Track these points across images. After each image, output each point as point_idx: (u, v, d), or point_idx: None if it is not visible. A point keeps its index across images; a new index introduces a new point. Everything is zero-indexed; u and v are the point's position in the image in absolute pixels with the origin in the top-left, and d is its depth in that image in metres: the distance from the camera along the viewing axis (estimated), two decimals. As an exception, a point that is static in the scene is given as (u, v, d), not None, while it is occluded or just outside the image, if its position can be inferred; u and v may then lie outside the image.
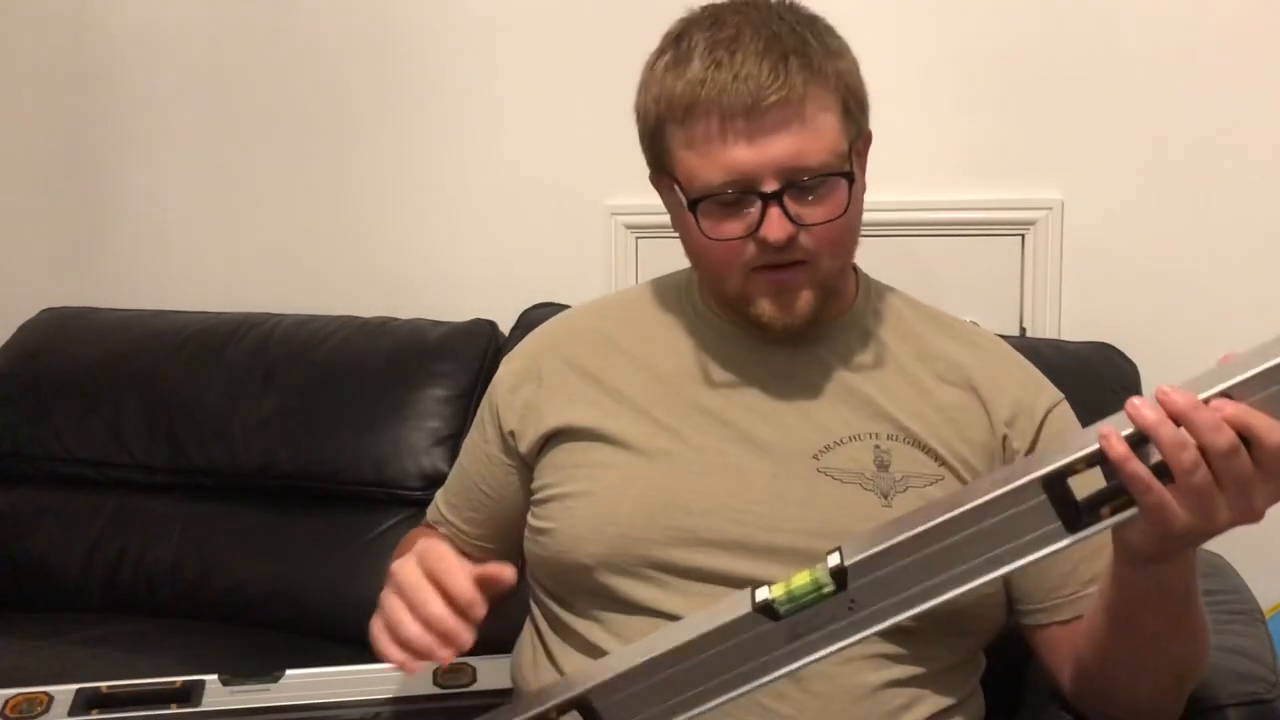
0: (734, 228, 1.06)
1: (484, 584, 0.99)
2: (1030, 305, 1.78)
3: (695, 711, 0.90)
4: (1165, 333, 1.71)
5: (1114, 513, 0.84)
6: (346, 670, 1.26)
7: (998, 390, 1.15)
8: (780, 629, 0.87)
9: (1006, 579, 0.93)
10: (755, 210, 1.05)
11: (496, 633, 1.25)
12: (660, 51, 1.09)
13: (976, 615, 1.11)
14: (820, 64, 1.05)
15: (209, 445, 1.91)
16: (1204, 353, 1.69)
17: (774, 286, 1.08)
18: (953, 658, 1.11)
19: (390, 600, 0.99)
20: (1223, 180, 1.70)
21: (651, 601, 1.09)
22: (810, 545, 1.05)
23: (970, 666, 1.15)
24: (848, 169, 1.06)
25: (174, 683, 1.25)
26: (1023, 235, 1.78)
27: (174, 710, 1.22)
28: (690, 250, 1.13)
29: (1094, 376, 1.58)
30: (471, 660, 1.26)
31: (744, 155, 1.03)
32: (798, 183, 1.04)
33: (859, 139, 1.10)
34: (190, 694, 1.24)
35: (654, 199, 1.17)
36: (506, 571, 1.01)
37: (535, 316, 1.63)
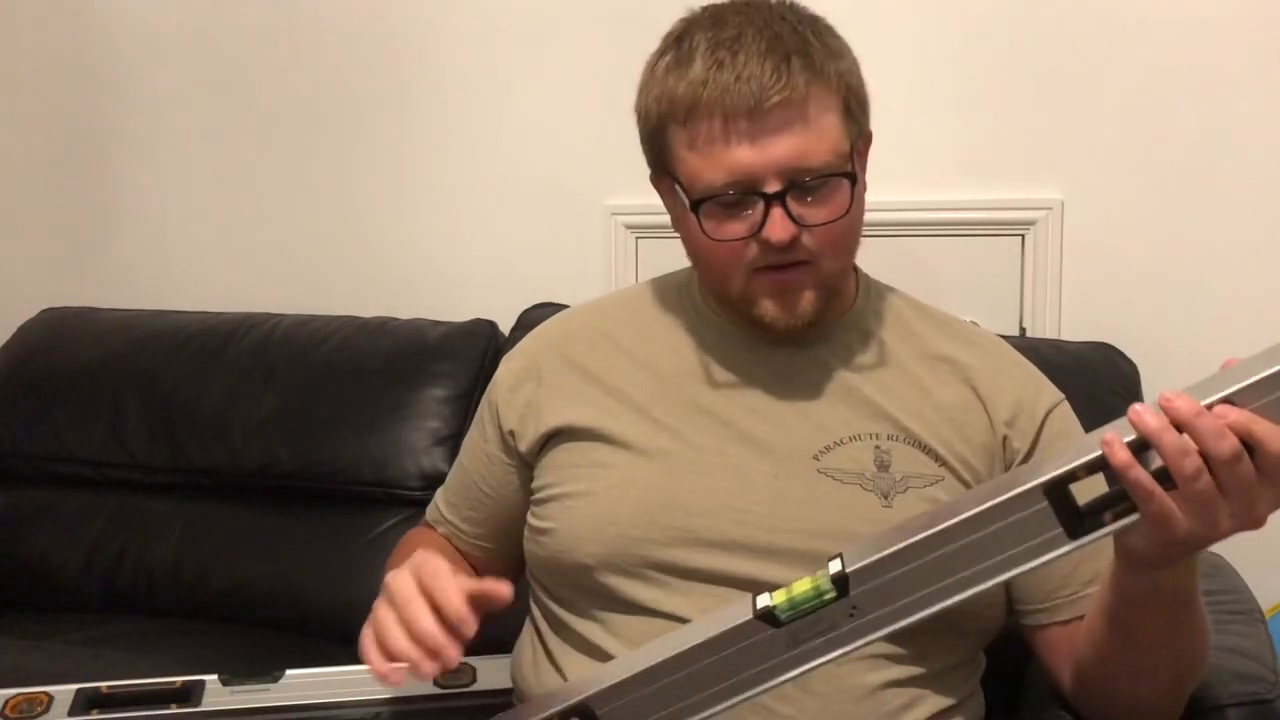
0: (736, 228, 1.06)
1: (478, 601, 0.99)
2: (1030, 305, 1.78)
3: (697, 718, 0.90)
4: (1165, 333, 1.71)
5: (1116, 519, 0.84)
6: (346, 670, 1.26)
7: (998, 390, 1.15)
8: (781, 635, 0.87)
9: (1006, 580, 0.93)
10: (757, 211, 1.04)
11: (497, 632, 1.25)
12: (661, 52, 1.09)
13: (977, 616, 1.11)
14: (822, 64, 1.05)
15: (209, 445, 1.91)
16: (1204, 353, 1.69)
17: (776, 287, 1.08)
18: (953, 658, 1.11)
19: (382, 611, 0.99)
20: (1222, 180, 1.70)
21: (651, 601, 1.09)
22: (810, 546, 1.06)
23: (970, 666, 1.15)
24: (850, 169, 1.06)
25: (174, 683, 1.25)
26: (1023, 235, 1.78)
27: (174, 710, 1.22)
28: (692, 251, 1.13)
29: (1094, 376, 1.58)
30: (471, 660, 1.26)
31: (747, 156, 1.03)
32: (800, 183, 1.04)
33: (860, 139, 1.10)
34: (190, 694, 1.24)
35: (654, 199, 1.17)
36: (503, 589, 1.00)
37: (535, 316, 1.63)
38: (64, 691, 1.24)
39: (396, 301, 2.01)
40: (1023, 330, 1.78)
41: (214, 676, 1.26)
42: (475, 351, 1.88)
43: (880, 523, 1.05)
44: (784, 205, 1.04)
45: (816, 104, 1.04)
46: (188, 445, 1.92)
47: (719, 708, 0.89)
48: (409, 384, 1.86)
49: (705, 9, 1.11)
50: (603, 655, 1.10)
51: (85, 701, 1.23)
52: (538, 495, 1.18)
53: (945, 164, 1.81)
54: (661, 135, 1.08)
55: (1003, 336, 1.25)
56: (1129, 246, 1.74)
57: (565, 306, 1.39)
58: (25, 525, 1.96)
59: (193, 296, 2.13)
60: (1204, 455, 0.81)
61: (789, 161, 1.03)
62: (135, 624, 1.80)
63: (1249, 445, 0.82)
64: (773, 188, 1.04)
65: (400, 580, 0.99)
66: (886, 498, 1.09)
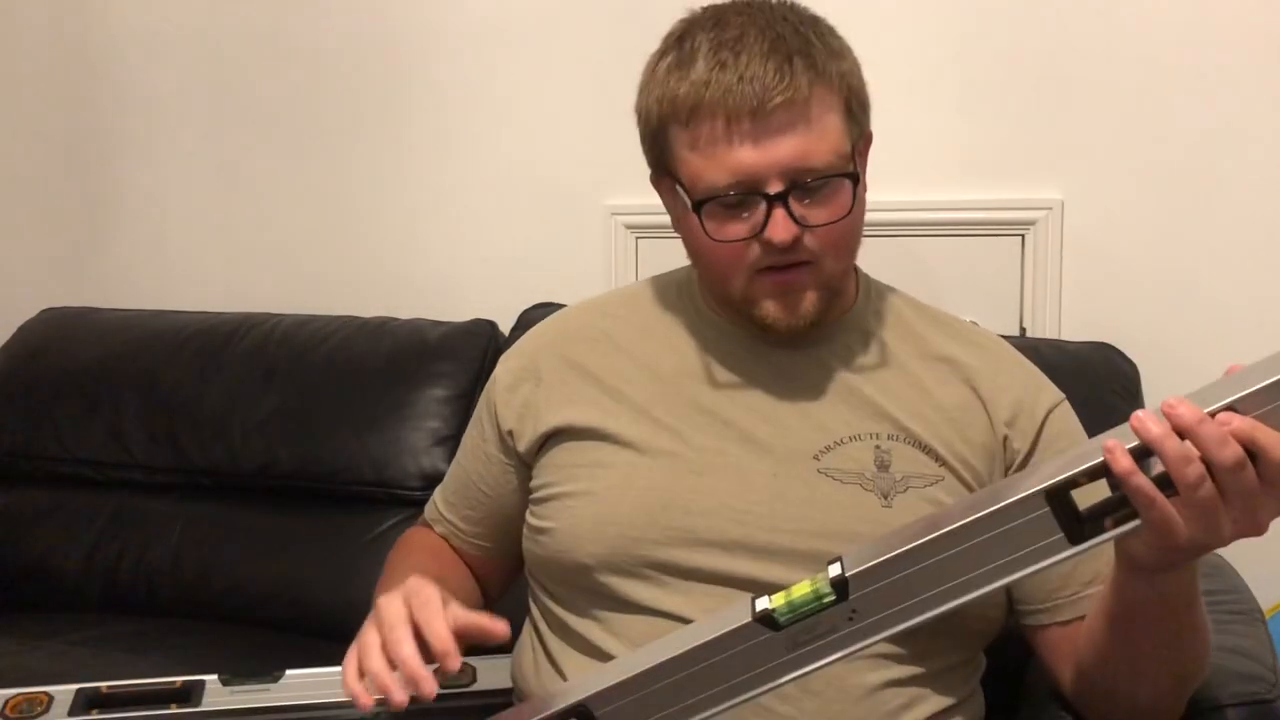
0: (738, 229, 1.06)
1: (470, 634, 0.98)
2: (1030, 305, 1.78)
3: (695, 719, 0.90)
4: (1165, 333, 1.71)
5: (1117, 524, 0.84)
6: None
7: (998, 390, 1.15)
8: (780, 638, 0.87)
9: (1007, 585, 0.93)
10: (760, 212, 1.04)
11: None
12: (662, 52, 1.09)
13: (977, 616, 1.11)
14: (824, 65, 1.05)
15: (209, 445, 1.91)
16: (1204, 353, 1.71)
17: (779, 288, 1.08)
18: (953, 658, 1.11)
19: (368, 634, 0.99)
20: (1223, 180, 1.70)
21: (651, 601, 1.09)
22: (810, 546, 1.06)
23: (970, 666, 1.15)
24: (852, 169, 1.06)
25: (174, 683, 1.25)
26: (1023, 235, 1.78)
27: (174, 710, 1.22)
28: (693, 252, 1.13)
29: (1094, 376, 1.58)
30: (471, 660, 1.26)
31: (749, 157, 1.03)
32: (802, 184, 1.04)
33: (861, 140, 1.10)
34: (190, 694, 1.24)
35: (654, 199, 1.17)
36: (498, 628, 0.99)
37: (535, 316, 1.62)
38: (64, 691, 1.24)
39: (396, 301, 2.01)
40: (1023, 330, 1.78)
41: (214, 676, 1.26)
42: (475, 351, 1.88)
43: (880, 523, 1.05)
44: (786, 206, 1.04)
45: (819, 104, 1.04)
46: (188, 445, 1.92)
47: (717, 709, 0.89)
48: (409, 384, 1.86)
49: (706, 9, 1.11)
50: (602, 655, 1.10)
51: (85, 701, 1.23)
52: (537, 495, 1.18)
53: (945, 164, 1.81)
54: (663, 136, 1.08)
55: (1003, 336, 1.25)
56: (1129, 246, 1.74)
57: (565, 306, 1.39)
58: (25, 525, 1.96)
59: (193, 296, 2.13)
60: (1206, 462, 0.81)
61: (791, 162, 1.03)
62: (135, 624, 1.80)
63: (1251, 452, 0.81)
64: (775, 188, 1.04)
65: (392, 606, 0.98)
66: (886, 498, 1.09)
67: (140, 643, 1.71)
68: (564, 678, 1.13)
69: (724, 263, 1.08)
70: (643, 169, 1.15)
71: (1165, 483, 0.82)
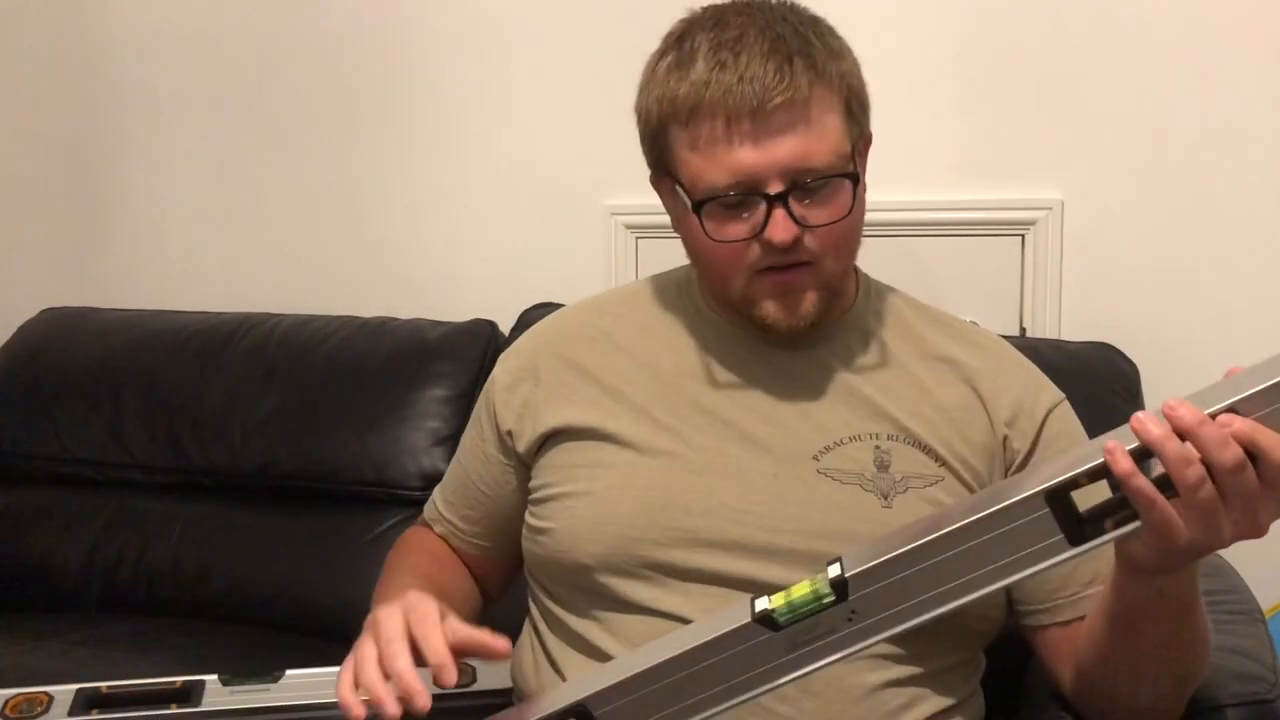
0: (738, 229, 1.06)
1: (470, 649, 0.98)
2: (1030, 305, 1.78)
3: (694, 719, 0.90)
4: (1165, 333, 1.71)
5: (1117, 526, 0.84)
6: (347, 670, 1.26)
7: (998, 390, 1.15)
8: (780, 639, 0.87)
9: (1006, 586, 0.93)
10: (760, 212, 1.04)
11: (497, 632, 1.25)
12: (662, 52, 1.09)
13: (977, 617, 1.10)
14: (824, 65, 1.05)
15: (209, 445, 1.91)
16: (1204, 352, 1.71)
17: (779, 288, 1.08)
18: (953, 658, 1.11)
19: (364, 645, 0.98)
20: (1223, 180, 1.70)
21: (651, 601, 1.09)
22: (810, 546, 1.06)
23: (970, 666, 1.15)
24: (852, 170, 1.06)
25: (174, 683, 1.25)
26: (1023, 235, 1.78)
27: (174, 710, 1.22)
28: (693, 252, 1.13)
29: (1094, 376, 1.58)
30: (472, 660, 1.26)
31: (749, 157, 1.03)
32: (802, 184, 1.04)
33: (861, 140, 1.10)
34: (190, 694, 1.24)
35: (654, 199, 1.17)
36: (500, 645, 0.99)
37: (535, 316, 1.62)
38: (64, 691, 1.24)
39: (396, 301, 2.01)
40: (1023, 330, 1.78)
41: (214, 676, 1.25)
42: (475, 351, 1.88)
43: (880, 523, 1.05)
44: (786, 206, 1.04)
45: (819, 105, 1.04)
46: (188, 445, 1.92)
47: (716, 710, 0.89)
48: (409, 384, 1.86)
49: (706, 9, 1.11)
50: (602, 655, 1.10)
51: (85, 701, 1.23)
52: (536, 495, 1.17)
53: (945, 164, 1.81)
54: (663, 136, 1.08)
55: (1003, 336, 1.25)
56: (1129, 246, 1.74)
57: (565, 306, 1.39)
58: (25, 525, 1.96)
59: (193, 296, 2.13)
60: (1207, 464, 0.81)
61: (791, 162, 1.03)
62: (135, 624, 1.80)
63: (1252, 454, 0.81)
64: (775, 188, 1.04)
65: (391, 620, 0.98)
66: (886, 498, 1.09)
67: (140, 643, 1.71)
68: (563, 678, 1.13)
69: (724, 263, 1.08)
70: (643, 169, 1.15)
71: (1165, 484, 0.82)
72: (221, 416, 1.90)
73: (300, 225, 2.13)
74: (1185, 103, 1.70)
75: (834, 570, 0.86)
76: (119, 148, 2.21)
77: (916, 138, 1.76)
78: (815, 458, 1.10)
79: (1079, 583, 1.09)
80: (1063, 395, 1.18)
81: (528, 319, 1.77)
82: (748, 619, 0.87)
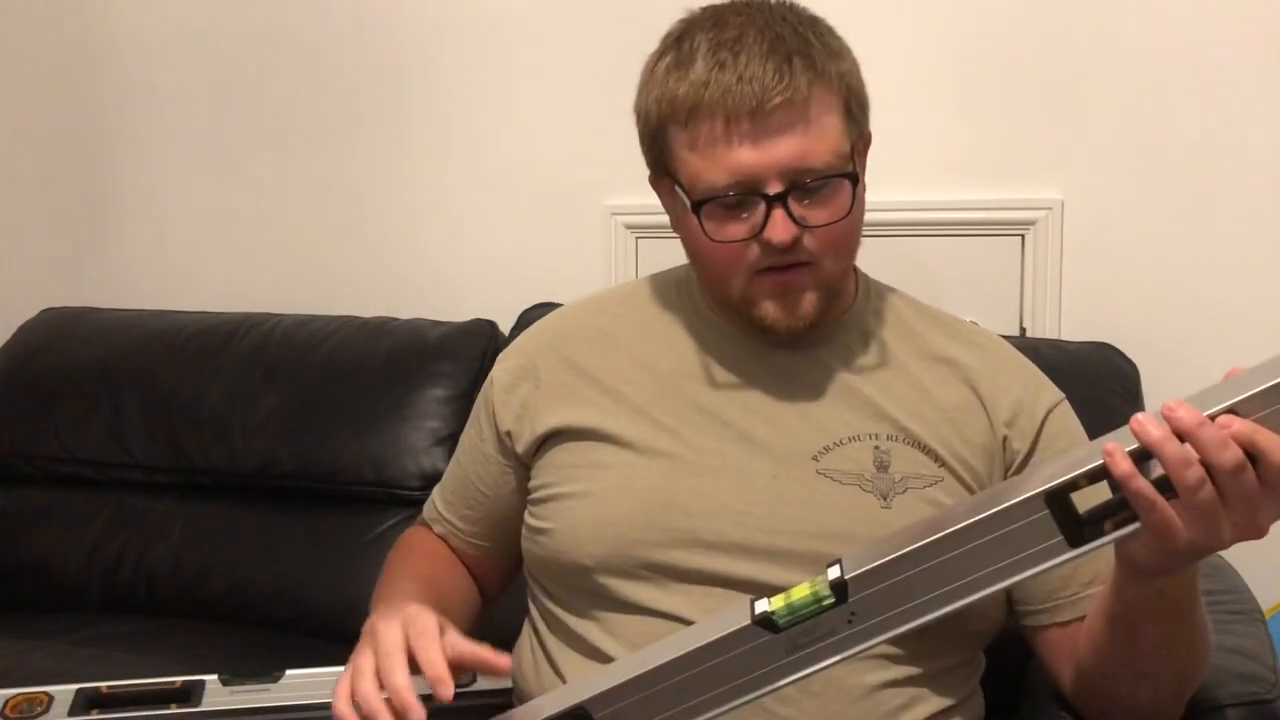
0: (738, 230, 1.06)
1: (470, 665, 0.98)
2: (1030, 305, 1.78)
3: None
4: (1165, 333, 1.71)
5: (1116, 528, 0.84)
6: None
7: (998, 390, 1.15)
8: (780, 641, 0.87)
9: (1006, 588, 0.93)
10: (759, 212, 1.04)
11: (497, 632, 1.25)
12: (661, 53, 1.09)
13: (977, 617, 1.10)
14: (824, 65, 1.05)
15: (209, 445, 1.91)
16: (1204, 352, 1.71)
17: (778, 289, 1.08)
18: (952, 658, 1.11)
19: (363, 657, 0.98)
20: (1223, 180, 1.70)
21: (650, 602, 1.09)
22: (809, 547, 1.06)
23: (970, 667, 1.15)
24: (851, 170, 1.06)
25: (174, 683, 1.24)
26: (1023, 235, 1.78)
27: (174, 710, 1.22)
28: (692, 252, 1.13)
29: (1094, 376, 1.58)
30: (471, 663, 1.26)
31: (748, 157, 1.03)
32: (802, 184, 1.04)
33: (860, 140, 1.10)
34: (190, 694, 1.23)
35: (654, 199, 1.17)
36: (501, 661, 0.99)
37: (535, 316, 1.61)
38: (64, 691, 1.23)
39: (396, 301, 2.01)
40: (1023, 330, 1.78)
41: (214, 676, 1.25)
42: (475, 351, 1.88)
43: (879, 524, 1.05)
44: (785, 206, 1.04)
45: (818, 105, 1.04)
46: (188, 445, 1.92)
47: (716, 712, 0.89)
48: (409, 384, 1.86)
49: (705, 9, 1.11)
50: (601, 656, 1.10)
51: (85, 701, 1.22)
52: (535, 495, 1.17)
53: (945, 164, 1.81)
54: (662, 136, 1.08)
55: (1003, 336, 1.25)
56: (1129, 246, 1.74)
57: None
58: (25, 525, 1.96)
59: (193, 296, 2.13)
60: (1206, 465, 0.81)
61: (791, 162, 1.03)
62: (135, 624, 1.80)
63: (1252, 456, 0.81)
64: (774, 189, 1.04)
65: (390, 634, 0.98)
66: (885, 499, 1.09)
67: (140, 643, 1.71)
68: (563, 678, 1.13)
69: (723, 263, 1.08)
70: (643, 169, 1.15)
71: (1165, 486, 0.82)
72: (221, 416, 1.90)
73: (300, 225, 2.13)
74: (1185, 103, 1.70)
75: (834, 572, 0.86)
76: (119, 148, 2.21)
77: (916, 138, 1.76)
78: (815, 458, 1.10)
79: (1079, 583, 1.09)
80: (1062, 395, 1.18)
81: (528, 319, 1.77)
82: (747, 621, 0.87)
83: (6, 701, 1.22)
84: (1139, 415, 0.82)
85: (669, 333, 1.19)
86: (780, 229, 1.04)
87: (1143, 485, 0.81)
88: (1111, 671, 1.04)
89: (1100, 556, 1.01)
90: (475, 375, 1.84)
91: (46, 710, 1.22)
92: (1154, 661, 1.01)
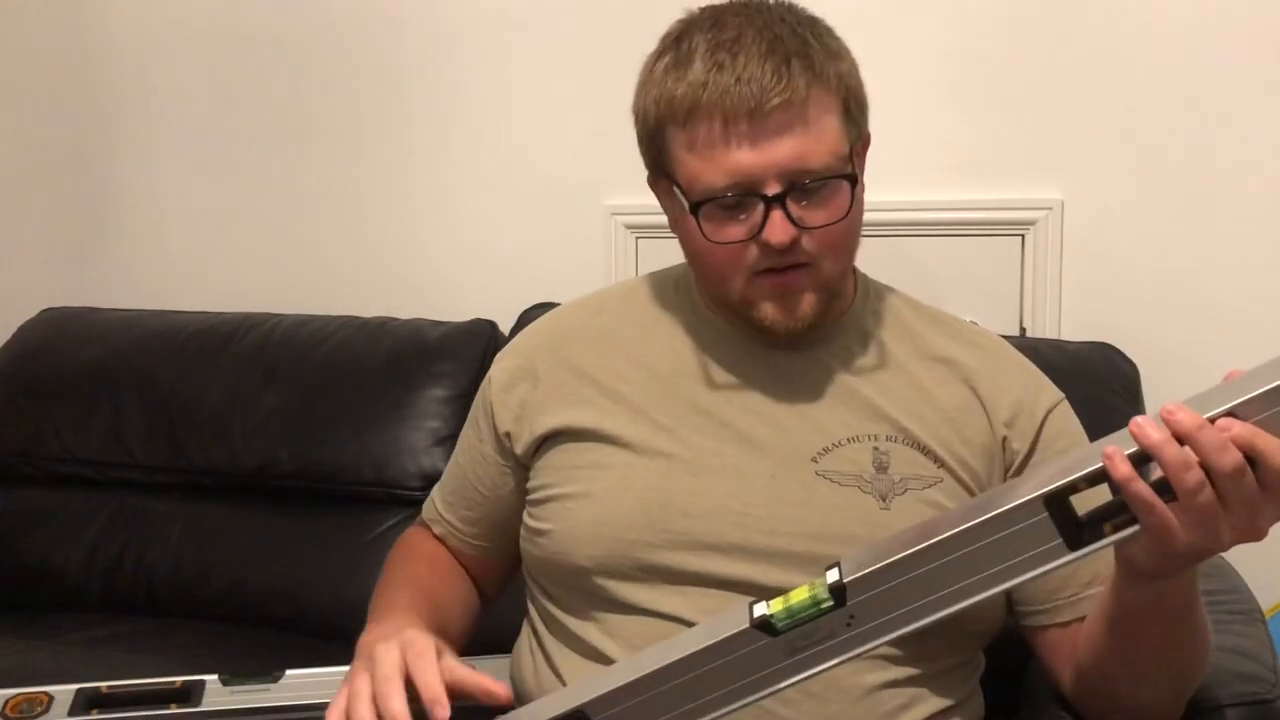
0: (736, 231, 1.06)
1: (466, 692, 0.97)
2: (1030, 305, 1.78)
3: None
4: (1165, 333, 1.71)
5: (1116, 530, 0.84)
6: (346, 670, 1.25)
7: (998, 390, 1.14)
8: (778, 644, 0.87)
9: (1005, 590, 0.93)
10: (757, 213, 1.04)
11: (497, 632, 1.25)
12: (659, 53, 1.09)
13: (976, 617, 1.10)
14: (822, 66, 1.05)
15: (209, 445, 1.91)
16: (1204, 353, 1.71)
17: (777, 290, 1.08)
18: (952, 658, 1.11)
19: (359, 680, 0.98)
20: (1222, 180, 1.70)
21: (649, 603, 1.09)
22: (808, 549, 1.05)
23: (970, 667, 1.15)
24: (850, 171, 1.06)
25: (174, 683, 1.25)
26: (1023, 235, 1.78)
27: (174, 710, 1.22)
28: (690, 253, 1.13)
29: (1094, 376, 1.58)
30: (472, 660, 1.26)
31: (747, 158, 1.03)
32: (800, 185, 1.04)
33: (859, 141, 1.10)
34: (190, 694, 1.24)
35: (654, 199, 1.17)
36: (500, 690, 0.98)
37: (535, 316, 1.61)
38: (64, 691, 1.24)
39: (396, 301, 2.01)
40: (1023, 330, 1.78)
41: (214, 676, 1.25)
42: (475, 351, 1.88)
43: (878, 525, 1.05)
44: (784, 207, 1.03)
45: (817, 106, 1.04)
46: (188, 445, 1.92)
47: (715, 715, 0.89)
48: (409, 384, 1.86)
49: (704, 10, 1.10)
50: (600, 657, 1.10)
51: (85, 701, 1.23)
52: (534, 496, 1.17)
53: (945, 164, 1.81)
54: (660, 137, 1.08)
55: (1003, 336, 1.24)
56: (1129, 246, 1.74)
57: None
58: (25, 525, 1.96)
59: (193, 296, 2.13)
60: (1206, 468, 0.81)
61: (789, 163, 1.03)
62: (135, 624, 1.80)
63: (1251, 458, 0.81)
64: (773, 190, 1.03)
65: (386, 655, 0.97)
66: (884, 500, 1.08)
67: (140, 643, 1.72)
68: (562, 680, 1.13)
69: (722, 264, 1.08)
70: (642, 169, 1.15)
71: (1164, 488, 0.82)
72: (221, 416, 1.90)
73: (300, 225, 2.13)
74: (1185, 103, 1.70)
75: (832, 575, 0.86)
76: (119, 148, 2.21)
77: (916, 138, 1.76)
78: (814, 459, 1.10)
79: (1078, 584, 1.09)
80: (1062, 395, 1.18)
81: (528, 319, 1.76)
82: (746, 625, 0.87)
83: (6, 701, 1.22)
84: (1138, 418, 0.82)
85: (667, 332, 1.19)
86: (779, 230, 1.04)
87: (1142, 488, 0.81)
88: (1111, 672, 1.03)
89: (1100, 557, 1.01)
90: (475, 375, 1.83)
91: (46, 710, 1.22)
92: (1154, 662, 1.00)
